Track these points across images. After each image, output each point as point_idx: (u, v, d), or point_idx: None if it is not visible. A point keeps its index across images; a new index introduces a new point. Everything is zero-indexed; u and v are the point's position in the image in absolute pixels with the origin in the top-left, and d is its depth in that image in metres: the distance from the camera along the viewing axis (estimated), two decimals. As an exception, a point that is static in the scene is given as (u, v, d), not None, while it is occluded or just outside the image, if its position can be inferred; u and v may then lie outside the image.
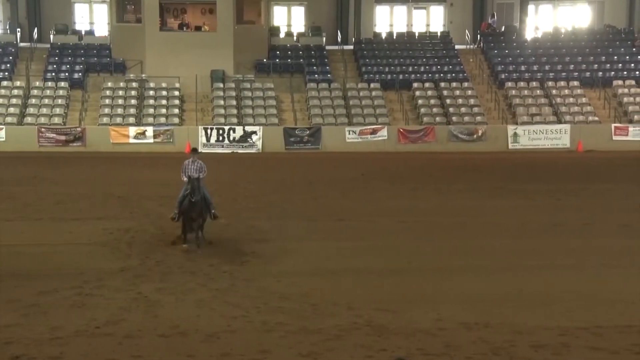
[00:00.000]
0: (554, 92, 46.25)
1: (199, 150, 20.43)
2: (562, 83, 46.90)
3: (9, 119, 42.22)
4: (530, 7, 53.03)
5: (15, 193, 26.48)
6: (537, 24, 53.07)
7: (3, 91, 44.09)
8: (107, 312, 13.50)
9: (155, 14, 46.05)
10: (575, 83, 46.74)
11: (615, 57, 49.38)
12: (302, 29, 52.42)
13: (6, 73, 45.54)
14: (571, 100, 45.73)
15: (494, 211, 23.97)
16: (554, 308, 14.13)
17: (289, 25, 53.02)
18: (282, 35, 50.96)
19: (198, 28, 47.86)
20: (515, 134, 42.84)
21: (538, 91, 46.44)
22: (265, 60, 47.35)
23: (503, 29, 51.91)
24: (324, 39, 50.03)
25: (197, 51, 44.88)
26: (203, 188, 18.69)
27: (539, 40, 51.31)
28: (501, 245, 19.22)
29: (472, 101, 45.36)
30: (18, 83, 44.86)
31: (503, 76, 47.46)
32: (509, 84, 46.74)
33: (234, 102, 44.47)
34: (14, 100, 43.61)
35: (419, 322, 13.20)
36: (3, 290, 14.82)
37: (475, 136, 42.61)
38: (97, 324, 12.91)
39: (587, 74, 47.59)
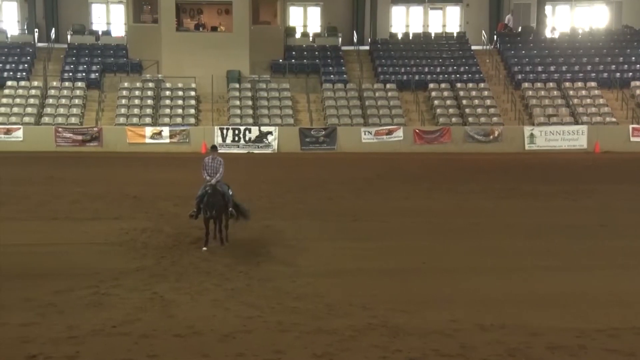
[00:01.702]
0: (571, 92, 46.10)
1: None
2: (580, 84, 46.76)
3: (26, 119, 42.49)
4: (548, 8, 52.85)
5: (31, 192, 26.62)
6: (554, 25, 52.89)
7: (21, 91, 44.39)
8: (123, 312, 13.53)
9: (172, 14, 46.23)
10: (593, 84, 46.58)
11: (633, 58, 49.18)
12: (318, 30, 52.51)
13: (24, 73, 45.86)
14: (588, 101, 45.57)
15: (509, 212, 23.90)
16: (569, 309, 14.06)
17: (304, 26, 53.11)
18: (298, 35, 51.08)
19: (214, 28, 47.99)
20: (531, 135, 42.72)
21: (555, 92, 46.29)
22: (281, 60, 47.44)
23: (520, 30, 51.75)
24: (340, 39, 50.09)
25: (213, 51, 45.03)
26: (222, 185, 18.75)
27: (556, 40, 51.16)
28: (516, 246, 19.15)
29: (488, 102, 45.27)
30: (35, 83, 45.15)
31: (520, 77, 47.35)
32: (526, 84, 46.62)
33: (249, 103, 44.56)
34: (31, 101, 43.89)
35: (434, 323, 13.16)
36: (19, 289, 14.89)
37: (491, 137, 42.53)
38: (113, 323, 12.94)
39: (605, 74, 47.44)
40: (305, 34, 51.78)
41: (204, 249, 18.34)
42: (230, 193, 19.06)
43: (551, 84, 46.76)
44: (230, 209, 18.79)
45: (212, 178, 18.60)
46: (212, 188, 18.30)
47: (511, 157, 39.51)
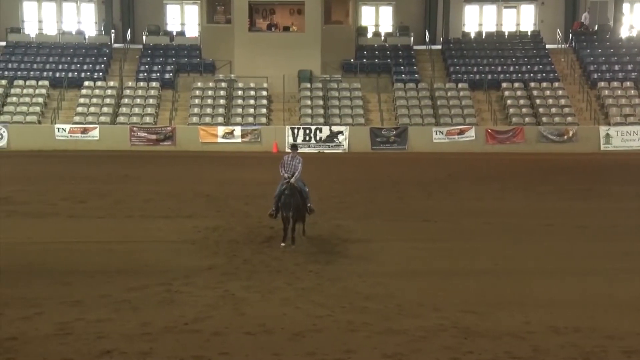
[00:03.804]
0: (648, 92, 45.06)
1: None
2: (658, 83, 45.68)
3: (102, 119, 43.33)
4: (625, 6, 51.69)
5: (106, 191, 27.15)
6: (632, 23, 51.75)
7: (97, 91, 45.29)
8: (195, 309, 13.68)
9: (245, 14, 46.60)
10: (672, 83, 45.44)
11: None
12: (389, 29, 52.34)
13: (100, 73, 46.77)
14: (667, 100, 44.48)
15: (583, 213, 23.45)
16: (647, 314, 13.75)
17: (376, 25, 52.99)
18: (369, 35, 50.97)
19: (286, 28, 48.23)
20: (607, 135, 41.90)
21: (632, 91, 45.33)
22: (352, 60, 47.44)
23: (596, 28, 50.74)
24: (412, 38, 49.83)
25: (285, 51, 45.23)
26: (300, 182, 18.86)
27: (633, 39, 50.06)
28: (591, 249, 18.79)
29: (562, 101, 44.56)
30: (112, 83, 46.00)
31: (595, 76, 46.46)
32: (602, 83, 45.72)
33: (320, 102, 44.67)
34: (107, 100, 44.74)
35: (506, 325, 13.00)
36: (95, 285, 15.18)
37: (565, 137, 41.85)
38: (186, 320, 13.10)
39: (684, 73, 46.22)
40: (377, 34, 51.65)
41: (282, 244, 18.48)
42: (307, 190, 19.16)
43: (628, 83, 45.77)
44: (309, 204, 18.92)
45: (290, 176, 18.67)
46: (289, 188, 18.38)
47: (586, 158, 38.81)
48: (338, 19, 49.10)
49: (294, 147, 20.03)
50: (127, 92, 45.36)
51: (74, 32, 50.58)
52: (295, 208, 18.37)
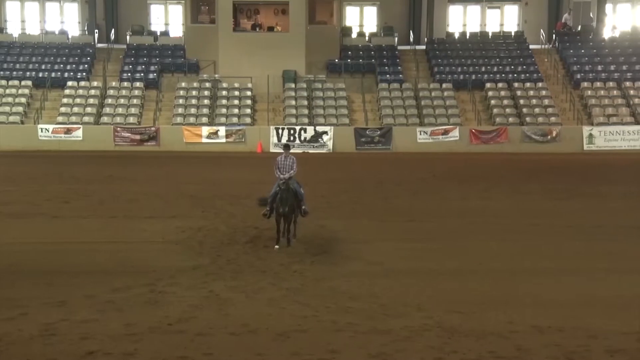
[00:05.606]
0: (631, 92, 45.31)
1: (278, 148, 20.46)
2: (640, 83, 45.89)
3: (86, 119, 43.16)
4: (608, 6, 51.92)
5: (91, 191, 27.07)
6: (614, 23, 52.00)
7: (81, 91, 45.10)
8: (180, 310, 13.67)
9: (229, 14, 46.54)
10: (654, 83, 45.67)
11: (696, 57, 48.09)
12: (374, 29, 52.39)
13: (84, 74, 46.58)
14: (649, 100, 44.69)
15: (568, 213, 23.57)
16: (630, 312, 13.79)
17: (361, 26, 53.04)
18: (354, 35, 51.03)
19: (271, 29, 48.18)
20: (590, 135, 42.09)
21: (615, 91, 45.55)
22: (337, 60, 47.45)
23: (579, 29, 50.95)
24: (396, 39, 49.90)
25: (269, 51, 45.19)
26: (295, 183, 18.80)
27: (616, 39, 50.33)
28: (575, 248, 18.88)
29: (546, 101, 44.74)
30: (95, 83, 45.83)
31: (579, 76, 46.67)
32: (585, 84, 45.93)
33: (305, 102, 44.66)
34: (91, 101, 44.57)
35: (490, 325, 13.04)
36: (79, 286, 15.13)
37: (549, 137, 42.02)
38: (170, 321, 13.07)
39: (667, 73, 46.47)
40: (361, 34, 51.70)
41: (276, 247, 18.41)
42: (302, 192, 19.09)
43: (611, 84, 46.00)
44: (304, 207, 18.86)
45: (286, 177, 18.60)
46: (285, 184, 18.35)
47: (569, 158, 38.99)
48: (322, 19, 49.10)
49: (286, 146, 19.89)
50: (111, 92, 45.19)
51: (57, 32, 50.33)
52: (291, 206, 18.31)
